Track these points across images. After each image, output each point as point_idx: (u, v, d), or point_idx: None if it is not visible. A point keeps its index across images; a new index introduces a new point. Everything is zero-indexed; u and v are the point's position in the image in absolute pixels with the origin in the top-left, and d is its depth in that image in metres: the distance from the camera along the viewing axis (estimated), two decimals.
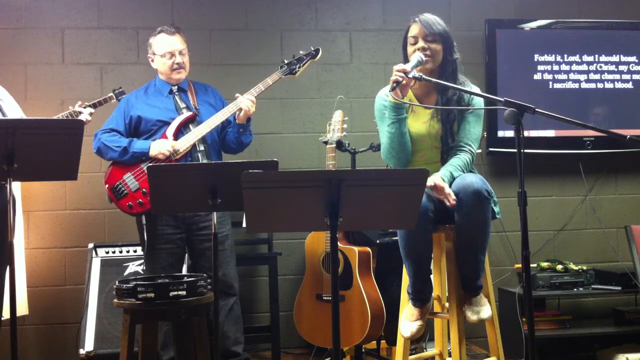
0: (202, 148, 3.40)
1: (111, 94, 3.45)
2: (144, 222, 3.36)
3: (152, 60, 3.51)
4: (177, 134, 3.37)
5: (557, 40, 4.34)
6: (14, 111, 3.27)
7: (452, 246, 2.72)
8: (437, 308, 2.95)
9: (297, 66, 3.51)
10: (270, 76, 3.48)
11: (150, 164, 2.66)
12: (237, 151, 3.58)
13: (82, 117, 3.26)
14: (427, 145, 2.81)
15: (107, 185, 3.37)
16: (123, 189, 3.33)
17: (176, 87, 3.50)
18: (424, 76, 2.59)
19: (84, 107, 3.30)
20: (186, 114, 3.43)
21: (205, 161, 3.36)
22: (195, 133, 3.36)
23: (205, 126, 3.37)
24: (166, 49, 3.44)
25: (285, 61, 3.53)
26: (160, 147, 3.31)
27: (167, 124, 3.39)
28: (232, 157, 3.67)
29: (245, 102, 3.36)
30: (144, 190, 3.28)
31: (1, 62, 4.05)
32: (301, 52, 3.55)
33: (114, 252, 3.77)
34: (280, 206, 2.10)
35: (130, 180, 3.33)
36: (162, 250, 3.36)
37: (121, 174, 3.36)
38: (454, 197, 2.57)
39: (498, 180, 4.29)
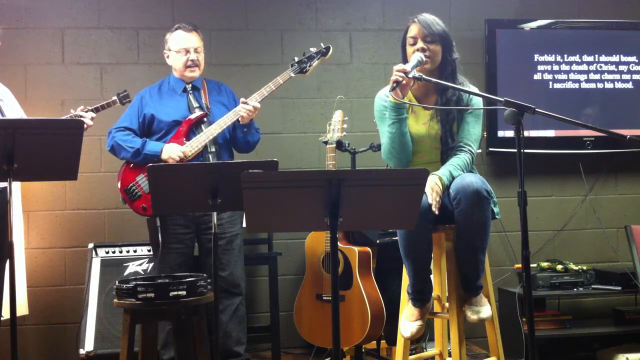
0: (213, 149, 3.40)
1: (115, 98, 3.39)
2: (158, 224, 3.34)
3: (168, 57, 3.52)
4: (189, 134, 3.38)
5: (557, 40, 4.34)
6: (14, 111, 3.26)
7: (452, 246, 2.72)
8: (437, 308, 2.95)
9: (308, 64, 3.49)
10: (281, 75, 3.47)
11: (151, 164, 2.65)
12: (247, 150, 3.57)
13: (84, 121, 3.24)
14: (427, 145, 2.81)
15: (120, 187, 3.37)
16: (136, 190, 3.34)
17: (190, 85, 3.50)
18: (424, 76, 2.59)
19: (86, 112, 3.26)
20: (198, 113, 3.43)
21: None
22: (207, 134, 3.36)
23: (216, 127, 3.37)
24: (181, 45, 3.44)
25: (296, 59, 3.51)
26: (171, 152, 3.31)
27: (180, 123, 3.40)
28: (237, 157, 3.66)
29: (242, 111, 3.36)
30: None
31: (1, 62, 4.05)
32: (312, 49, 3.53)
33: (114, 252, 3.77)
34: (280, 206, 2.10)
35: (143, 182, 3.34)
36: (172, 250, 3.37)
37: (134, 175, 3.36)
38: (437, 205, 2.57)
39: (498, 180, 4.29)
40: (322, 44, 3.55)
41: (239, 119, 3.41)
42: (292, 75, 3.49)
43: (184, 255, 3.40)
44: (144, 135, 3.45)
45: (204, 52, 3.53)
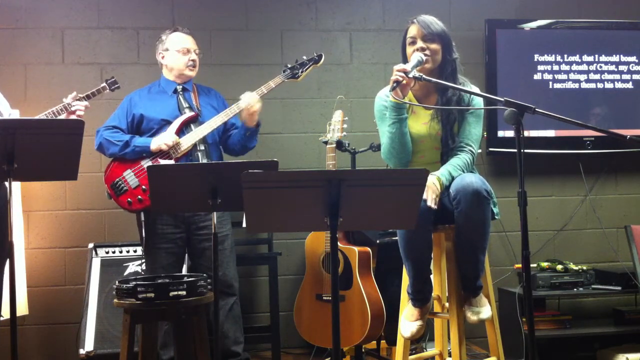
0: (202, 148, 3.41)
1: (104, 84, 3.40)
2: (142, 218, 3.36)
3: (163, 57, 3.52)
4: (179, 133, 3.38)
5: (557, 40, 4.34)
6: (2, 105, 3.25)
7: (452, 246, 2.72)
8: (437, 308, 2.95)
9: (300, 71, 3.53)
10: (273, 79, 3.48)
11: (151, 164, 2.66)
12: (240, 153, 3.59)
13: (75, 110, 3.22)
14: (427, 146, 2.81)
15: (106, 182, 3.38)
16: (123, 185, 3.34)
17: (181, 87, 3.51)
18: (424, 76, 2.59)
19: (78, 99, 3.25)
20: (188, 113, 3.43)
21: (205, 161, 3.37)
22: (197, 132, 3.37)
23: (206, 126, 3.38)
24: (183, 45, 3.47)
25: (289, 65, 3.54)
26: (162, 139, 3.32)
27: (170, 122, 3.40)
28: (232, 158, 3.67)
29: (247, 98, 3.36)
30: (143, 187, 3.29)
31: (1, 62, 4.05)
32: (304, 57, 3.55)
33: (114, 252, 3.77)
34: (280, 206, 2.10)
35: (130, 177, 3.34)
36: (161, 249, 3.36)
37: (121, 170, 3.37)
38: (434, 202, 2.57)
39: (498, 180, 4.29)
40: (314, 52, 3.56)
41: (243, 117, 3.41)
42: (285, 80, 3.52)
43: (175, 255, 3.39)
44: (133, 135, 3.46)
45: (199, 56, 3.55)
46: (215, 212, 3.13)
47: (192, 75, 3.52)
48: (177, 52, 3.47)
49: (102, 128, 3.46)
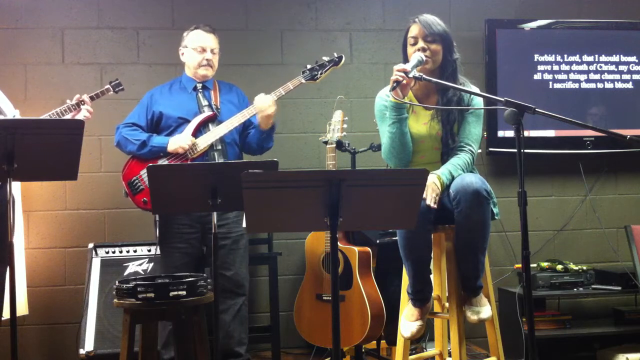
0: (219, 147, 3.41)
1: (108, 86, 3.42)
2: (156, 218, 3.36)
3: (182, 54, 3.53)
4: (196, 133, 3.38)
5: (557, 40, 4.34)
6: (5, 105, 3.26)
7: (452, 246, 2.72)
8: (437, 308, 2.95)
9: (319, 72, 3.51)
10: (292, 81, 3.47)
11: (151, 164, 2.66)
12: (257, 153, 3.58)
13: (81, 115, 3.23)
14: (428, 146, 2.81)
15: (124, 180, 3.39)
16: (139, 184, 3.35)
17: (201, 84, 3.51)
18: (424, 76, 2.59)
19: (82, 104, 3.25)
20: (207, 112, 3.43)
21: (221, 160, 3.37)
22: (214, 133, 3.37)
23: (224, 127, 3.38)
24: (199, 43, 3.47)
25: (308, 66, 3.52)
26: (179, 141, 3.33)
27: (188, 121, 3.40)
28: (250, 157, 3.64)
29: (260, 102, 3.36)
30: None
31: (1, 62, 4.05)
32: (324, 58, 3.54)
33: (114, 252, 3.77)
34: (280, 206, 2.10)
35: (146, 176, 3.35)
36: (175, 249, 3.37)
37: (138, 169, 3.38)
38: (434, 202, 2.57)
39: (498, 180, 4.29)
40: (335, 53, 3.55)
41: (260, 123, 3.41)
42: (303, 81, 3.50)
43: (189, 255, 3.39)
44: (152, 132, 3.47)
45: (218, 55, 3.54)
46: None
47: (207, 75, 3.50)
48: (193, 50, 3.48)
49: (121, 125, 3.48)
